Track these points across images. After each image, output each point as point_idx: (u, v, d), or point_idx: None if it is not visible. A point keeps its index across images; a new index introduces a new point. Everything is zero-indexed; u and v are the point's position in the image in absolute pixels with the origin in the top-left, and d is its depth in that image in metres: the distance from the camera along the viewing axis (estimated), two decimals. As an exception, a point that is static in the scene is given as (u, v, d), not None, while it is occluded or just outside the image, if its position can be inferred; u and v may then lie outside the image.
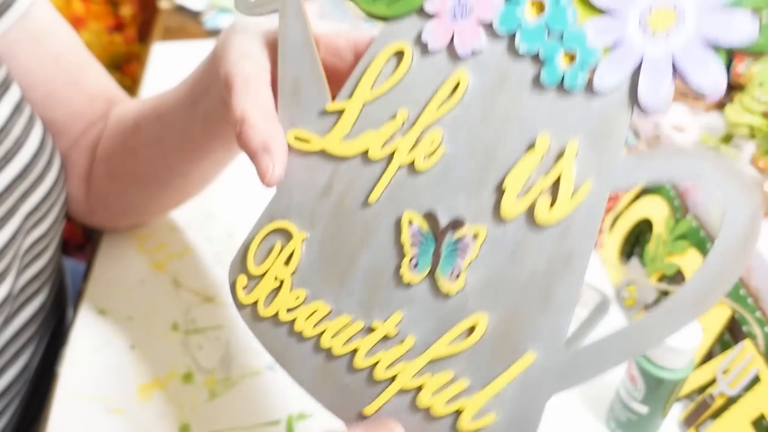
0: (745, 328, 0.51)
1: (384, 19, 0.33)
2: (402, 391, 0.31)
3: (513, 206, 0.30)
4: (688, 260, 0.57)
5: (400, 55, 0.32)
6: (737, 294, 0.52)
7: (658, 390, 0.48)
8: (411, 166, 0.32)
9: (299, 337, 0.34)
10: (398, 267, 0.32)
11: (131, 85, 1.24)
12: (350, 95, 0.34)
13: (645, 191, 0.64)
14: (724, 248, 0.27)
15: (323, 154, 0.34)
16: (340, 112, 0.34)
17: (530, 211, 0.29)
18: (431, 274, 0.31)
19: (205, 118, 0.47)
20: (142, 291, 0.63)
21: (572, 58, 0.29)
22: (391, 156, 0.32)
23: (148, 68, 0.96)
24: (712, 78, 0.26)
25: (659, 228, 0.60)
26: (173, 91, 0.51)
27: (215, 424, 0.52)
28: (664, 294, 0.59)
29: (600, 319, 0.61)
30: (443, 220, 0.31)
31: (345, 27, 0.39)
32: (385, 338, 0.32)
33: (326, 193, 0.34)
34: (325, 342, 0.33)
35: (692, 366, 0.48)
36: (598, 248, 0.67)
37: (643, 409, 0.50)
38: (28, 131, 0.53)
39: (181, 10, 1.09)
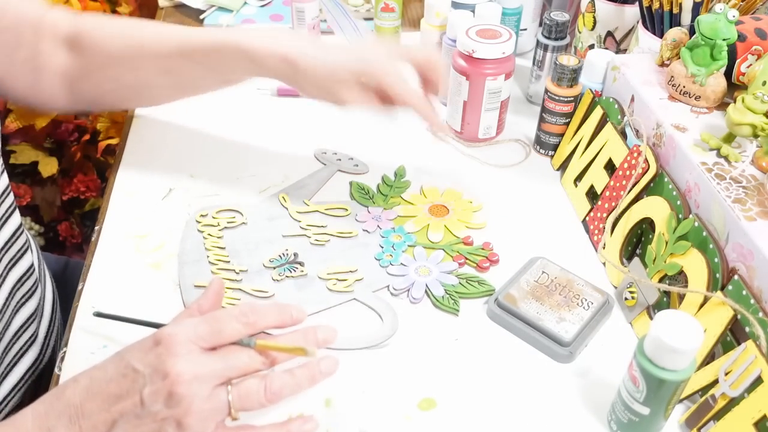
0: (747, 329, 0.51)
1: None
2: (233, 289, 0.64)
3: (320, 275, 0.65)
4: (690, 260, 0.56)
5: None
6: (740, 295, 0.52)
7: (659, 391, 0.48)
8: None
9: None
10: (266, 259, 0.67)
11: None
12: None
13: (647, 192, 0.64)
14: None
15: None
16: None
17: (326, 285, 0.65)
18: (275, 270, 0.66)
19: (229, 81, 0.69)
20: (140, 291, 0.63)
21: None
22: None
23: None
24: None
25: (661, 228, 0.60)
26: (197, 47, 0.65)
27: (215, 426, 0.52)
28: (666, 294, 0.59)
29: (603, 319, 0.61)
30: (297, 257, 0.67)
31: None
32: (238, 272, 0.65)
33: (270, 219, 0.71)
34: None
35: (694, 367, 0.47)
36: (599, 249, 0.66)
37: (645, 410, 0.49)
38: None
39: (181, 7, 1.09)
